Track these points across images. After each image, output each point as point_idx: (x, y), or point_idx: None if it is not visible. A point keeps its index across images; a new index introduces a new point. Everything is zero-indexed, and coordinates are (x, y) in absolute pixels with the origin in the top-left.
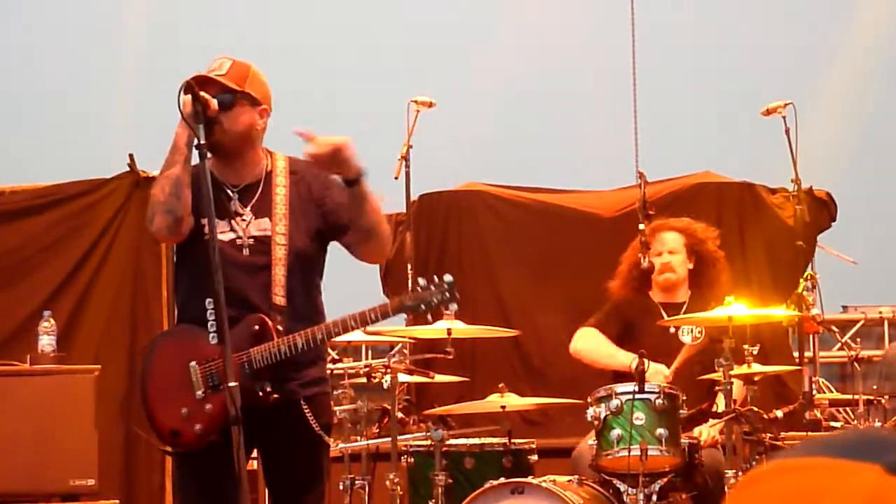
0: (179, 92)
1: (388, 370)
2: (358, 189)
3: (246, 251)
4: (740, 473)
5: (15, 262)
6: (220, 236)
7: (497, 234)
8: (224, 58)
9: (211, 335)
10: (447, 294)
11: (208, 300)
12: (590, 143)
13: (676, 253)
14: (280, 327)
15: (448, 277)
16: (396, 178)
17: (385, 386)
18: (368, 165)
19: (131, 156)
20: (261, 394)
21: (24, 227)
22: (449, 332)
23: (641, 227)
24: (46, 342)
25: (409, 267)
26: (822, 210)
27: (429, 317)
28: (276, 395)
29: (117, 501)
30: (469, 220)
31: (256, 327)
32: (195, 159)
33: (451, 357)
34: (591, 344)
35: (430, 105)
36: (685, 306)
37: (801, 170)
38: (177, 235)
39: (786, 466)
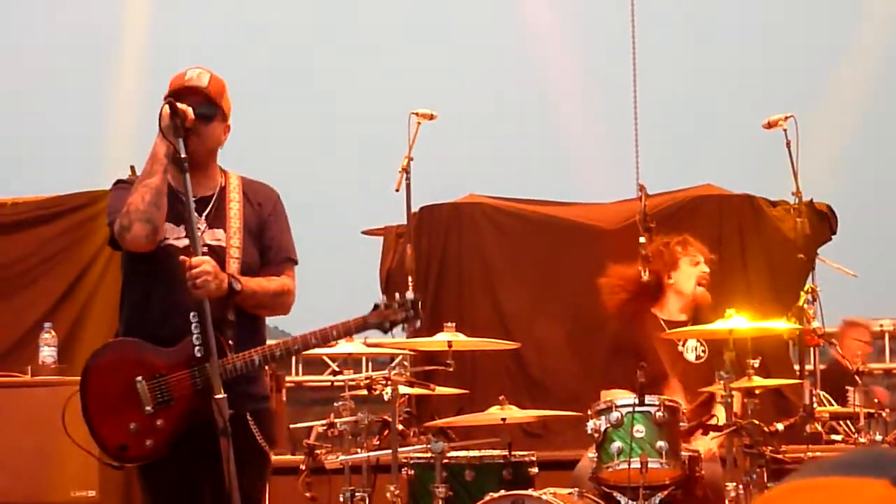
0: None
1: (389, 382)
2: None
3: None
4: (740, 486)
5: (16, 274)
6: (174, 242)
7: (498, 247)
8: (201, 69)
9: (197, 348)
10: (411, 312)
11: (193, 314)
12: (591, 155)
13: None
14: (231, 342)
15: (410, 295)
16: (397, 190)
17: (386, 398)
18: (370, 177)
19: (132, 168)
20: (212, 405)
21: (25, 239)
22: (450, 344)
23: (642, 240)
24: (47, 353)
25: (410, 279)
26: (823, 223)
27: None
28: (230, 412)
29: None
30: (470, 232)
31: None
32: None
33: (451, 369)
34: None
35: (432, 117)
36: (689, 323)
37: (802, 183)
38: (152, 244)
39: (796, 487)
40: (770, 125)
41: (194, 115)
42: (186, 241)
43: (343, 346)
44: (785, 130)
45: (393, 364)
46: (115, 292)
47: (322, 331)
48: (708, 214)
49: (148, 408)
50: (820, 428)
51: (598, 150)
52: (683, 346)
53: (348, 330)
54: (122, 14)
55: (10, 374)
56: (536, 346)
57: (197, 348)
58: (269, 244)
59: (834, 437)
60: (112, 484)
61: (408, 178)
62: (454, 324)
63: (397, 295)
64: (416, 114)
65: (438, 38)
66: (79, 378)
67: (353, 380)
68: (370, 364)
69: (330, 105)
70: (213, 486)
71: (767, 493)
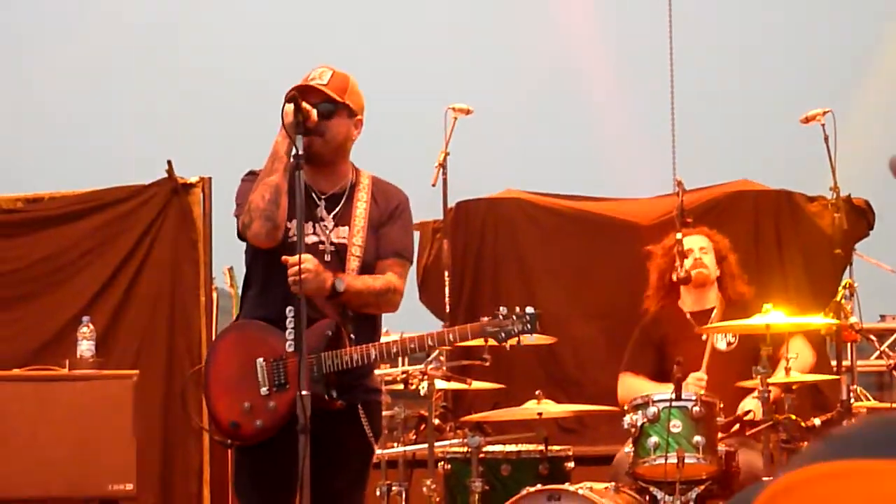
0: (283, 101)
1: (425, 377)
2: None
3: (327, 257)
4: None
5: (54, 268)
6: (305, 239)
7: (534, 242)
8: (324, 67)
9: (288, 343)
10: (528, 326)
11: (289, 308)
12: (628, 151)
13: (706, 252)
14: (352, 336)
15: (530, 310)
16: (434, 185)
17: (422, 393)
18: (406, 172)
19: (170, 162)
20: (327, 399)
21: (63, 233)
22: (486, 339)
23: (679, 236)
24: (85, 347)
25: (447, 274)
26: (861, 218)
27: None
28: (340, 402)
29: None
30: (506, 227)
31: (330, 332)
32: None
33: (487, 364)
34: (631, 392)
35: (468, 112)
36: (714, 312)
37: (840, 178)
38: (273, 241)
39: (820, 474)
40: (807, 120)
41: (317, 110)
42: (315, 239)
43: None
44: (822, 125)
45: (429, 359)
46: (154, 286)
47: (439, 333)
48: (745, 210)
49: (264, 389)
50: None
51: (635, 145)
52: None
53: (465, 335)
54: (161, 12)
55: (48, 368)
56: (572, 341)
57: (288, 343)
58: (382, 237)
59: None
60: (149, 477)
61: (444, 174)
62: (490, 318)
63: (517, 308)
64: (453, 108)
65: (475, 34)
66: (117, 371)
67: (389, 374)
68: (406, 359)
69: (367, 101)
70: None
71: (783, 481)
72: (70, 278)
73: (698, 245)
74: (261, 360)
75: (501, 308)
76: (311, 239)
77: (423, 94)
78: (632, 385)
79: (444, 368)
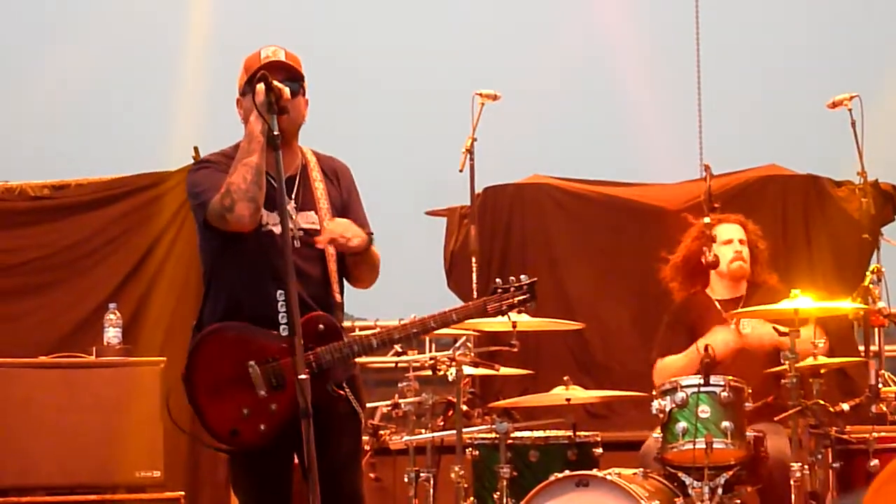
0: (253, 81)
1: (453, 363)
2: (363, 254)
3: (297, 243)
4: (805, 466)
5: (81, 255)
6: (270, 228)
7: (561, 227)
8: (275, 46)
9: (282, 327)
10: (527, 294)
11: (280, 292)
12: (655, 136)
13: (744, 244)
14: (341, 325)
15: (525, 278)
16: (461, 170)
17: (450, 378)
18: (434, 158)
19: (196, 148)
20: (332, 393)
21: (89, 220)
22: (514, 324)
23: (707, 220)
24: (112, 334)
25: (474, 260)
26: (888, 203)
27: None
28: (343, 392)
29: (182, 493)
30: (533, 212)
31: (322, 326)
32: None
33: (515, 350)
34: (666, 372)
35: (495, 98)
36: (743, 300)
37: (867, 162)
38: (255, 224)
39: None
40: (835, 105)
41: None
42: (279, 228)
43: None
44: (850, 110)
45: (457, 345)
46: (180, 273)
47: (442, 314)
48: (772, 195)
49: (262, 392)
50: (885, 408)
51: (662, 130)
52: (740, 322)
53: (468, 313)
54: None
55: (75, 355)
56: (600, 326)
57: (283, 327)
58: (351, 218)
59: None
60: (177, 464)
61: (472, 159)
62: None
63: (512, 278)
64: (480, 94)
65: (503, 18)
66: (144, 358)
67: (417, 360)
68: (434, 345)
69: (395, 85)
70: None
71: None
72: (96, 265)
73: (737, 236)
74: (252, 362)
75: (497, 280)
76: (277, 229)
77: (450, 79)
78: (666, 366)
79: (473, 354)
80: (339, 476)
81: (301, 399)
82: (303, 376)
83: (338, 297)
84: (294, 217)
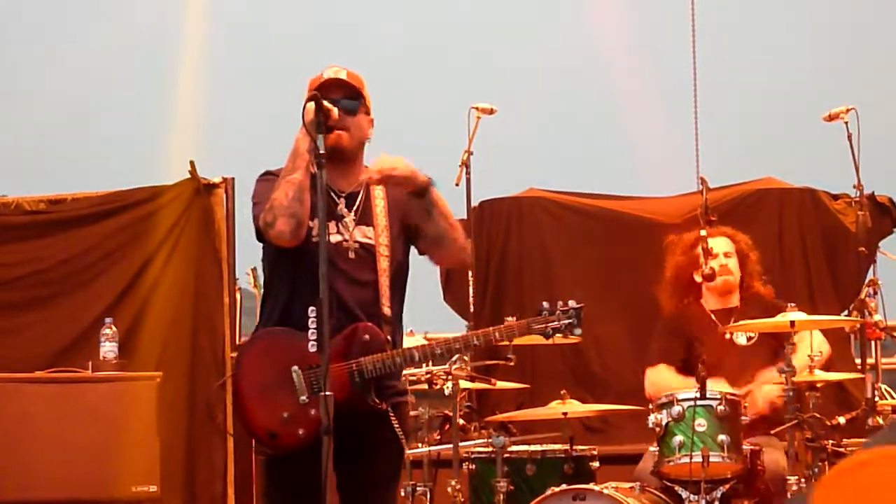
0: (304, 100)
1: (450, 377)
2: (424, 199)
3: (351, 254)
4: (802, 480)
5: (77, 270)
6: (329, 238)
7: (557, 241)
8: (337, 66)
9: (311, 343)
10: (574, 320)
11: (311, 308)
12: (651, 149)
13: (731, 256)
14: (389, 338)
15: (574, 303)
16: (457, 184)
17: (446, 392)
18: (429, 171)
19: (192, 163)
20: (372, 404)
21: (85, 234)
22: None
23: (703, 233)
24: (108, 349)
25: (470, 273)
26: (885, 216)
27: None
28: (385, 405)
29: None
30: (529, 226)
31: (367, 336)
32: None
33: (512, 364)
34: (661, 386)
35: (491, 112)
36: (737, 312)
37: (864, 175)
38: (297, 239)
39: (887, 455)
40: (831, 118)
41: (339, 106)
42: (338, 238)
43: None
44: (846, 123)
45: (453, 359)
46: (177, 287)
47: (484, 332)
48: (768, 208)
49: (303, 397)
50: (882, 422)
51: (658, 144)
52: (734, 333)
53: (511, 332)
54: (182, 10)
55: (71, 370)
56: (596, 340)
57: (311, 343)
58: (411, 213)
59: None
60: (173, 479)
61: (467, 173)
62: (515, 318)
63: (560, 303)
64: (476, 108)
65: (499, 33)
66: (141, 373)
67: (413, 374)
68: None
69: (391, 99)
70: (340, 476)
71: (851, 459)
72: (93, 280)
73: (723, 249)
74: (296, 367)
75: (545, 304)
76: (334, 238)
77: (446, 93)
78: (659, 378)
79: (469, 368)
80: (371, 497)
81: (324, 416)
82: (328, 393)
83: (387, 309)
84: (351, 230)
